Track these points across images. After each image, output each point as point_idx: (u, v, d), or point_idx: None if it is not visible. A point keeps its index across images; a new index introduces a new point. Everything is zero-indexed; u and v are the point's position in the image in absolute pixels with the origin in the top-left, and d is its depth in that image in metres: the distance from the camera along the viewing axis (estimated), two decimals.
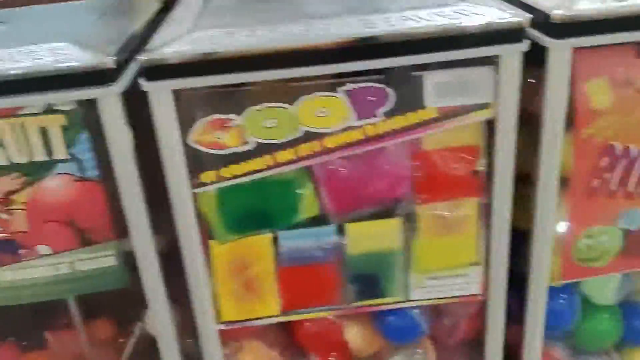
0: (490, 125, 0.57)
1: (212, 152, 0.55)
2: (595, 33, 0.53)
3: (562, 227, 0.61)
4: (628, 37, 0.53)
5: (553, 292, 0.66)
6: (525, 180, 0.60)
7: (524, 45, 0.52)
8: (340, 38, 0.51)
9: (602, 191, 0.60)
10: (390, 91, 0.54)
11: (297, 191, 0.58)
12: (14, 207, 0.56)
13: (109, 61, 0.49)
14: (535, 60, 0.54)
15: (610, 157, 0.58)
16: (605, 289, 0.67)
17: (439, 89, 0.55)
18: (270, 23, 0.55)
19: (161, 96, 0.51)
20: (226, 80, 0.52)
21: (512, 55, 0.52)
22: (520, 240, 0.62)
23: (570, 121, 0.56)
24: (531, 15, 0.52)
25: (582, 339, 0.71)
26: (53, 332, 0.69)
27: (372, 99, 0.54)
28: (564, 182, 0.60)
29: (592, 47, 0.54)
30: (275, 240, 0.60)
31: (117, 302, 0.66)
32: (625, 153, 0.58)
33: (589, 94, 0.56)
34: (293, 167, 0.55)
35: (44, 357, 0.69)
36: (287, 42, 0.51)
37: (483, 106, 0.55)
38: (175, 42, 0.52)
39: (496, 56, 0.53)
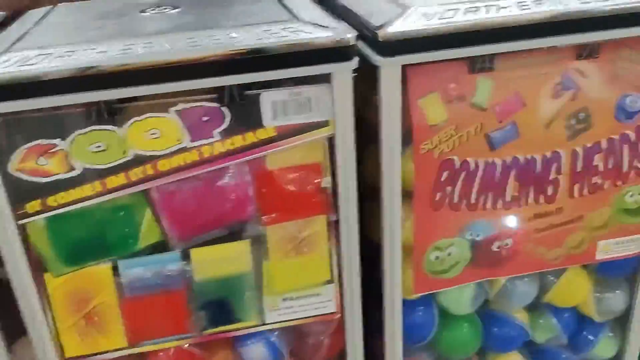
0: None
1: (36, 180, 0.51)
2: (426, 50, 0.53)
3: (411, 240, 0.62)
4: (457, 53, 0.54)
5: (411, 304, 0.67)
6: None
7: (353, 64, 0.52)
8: (227, 49, 0.50)
9: (446, 204, 0.61)
10: (225, 111, 0.53)
11: (135, 217, 0.55)
12: None
13: None
14: None
15: (450, 171, 0.59)
16: (460, 300, 0.68)
17: (276, 107, 0.54)
18: (103, 40, 0.52)
19: None
20: (39, 104, 0.49)
21: (343, 73, 0.52)
22: None
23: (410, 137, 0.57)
24: (357, 34, 0.52)
25: (443, 349, 0.72)
26: None
27: (206, 119, 0.53)
28: (411, 196, 0.60)
29: (424, 64, 0.54)
30: (116, 269, 0.57)
31: None
32: (464, 166, 0.60)
33: (424, 110, 0.57)
34: (125, 192, 0.53)
35: None
36: (118, 61, 0.49)
37: (323, 124, 0.55)
38: None
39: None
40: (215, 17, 0.60)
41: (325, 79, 0.53)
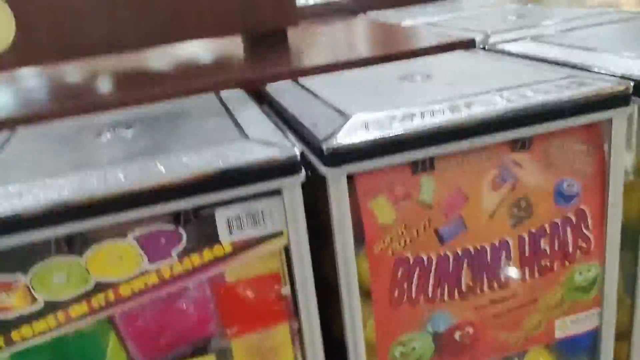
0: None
1: None
2: (369, 158, 0.57)
3: (374, 338, 0.63)
4: (399, 158, 0.58)
5: None
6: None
7: (301, 177, 0.55)
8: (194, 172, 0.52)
9: (405, 300, 0.63)
10: (182, 230, 0.55)
11: (100, 343, 0.56)
12: None
13: None
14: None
15: (404, 268, 0.61)
16: None
17: (231, 223, 0.56)
18: (60, 175, 0.54)
19: None
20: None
21: (292, 186, 0.55)
22: None
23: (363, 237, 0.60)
24: (302, 150, 0.55)
25: None
26: None
27: (164, 240, 0.55)
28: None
29: (370, 170, 0.58)
30: None
31: None
32: (417, 262, 0.62)
33: (373, 212, 0.59)
34: (89, 320, 0.54)
35: None
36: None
37: (277, 234, 0.57)
38: None
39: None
40: (167, 138, 0.62)
41: (276, 191, 0.56)
